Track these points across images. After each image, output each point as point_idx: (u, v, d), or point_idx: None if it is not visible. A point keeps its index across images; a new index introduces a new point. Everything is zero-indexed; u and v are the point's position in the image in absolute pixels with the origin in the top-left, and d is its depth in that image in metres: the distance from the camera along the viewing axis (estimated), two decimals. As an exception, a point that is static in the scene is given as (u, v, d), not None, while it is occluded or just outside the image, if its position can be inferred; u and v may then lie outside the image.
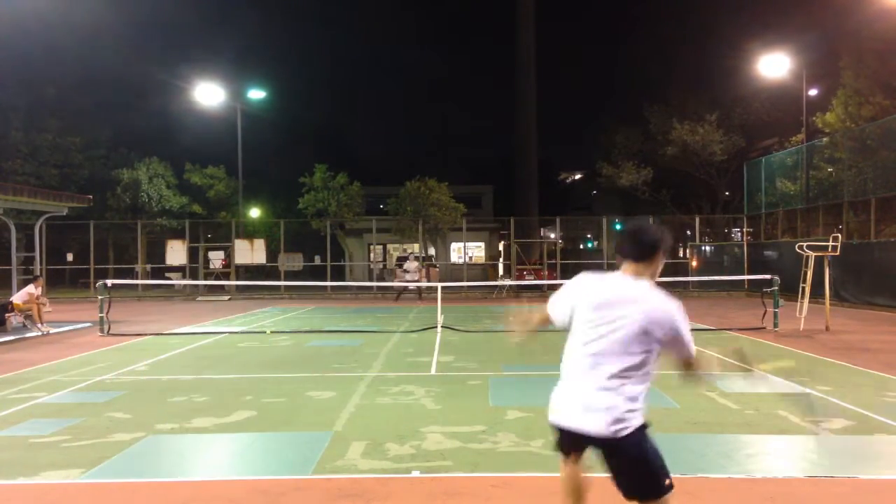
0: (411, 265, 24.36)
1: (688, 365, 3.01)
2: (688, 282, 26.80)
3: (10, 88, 31.99)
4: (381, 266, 37.12)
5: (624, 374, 2.90)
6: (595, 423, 2.87)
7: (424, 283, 24.75)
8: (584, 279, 3.16)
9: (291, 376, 8.87)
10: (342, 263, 33.67)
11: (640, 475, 2.93)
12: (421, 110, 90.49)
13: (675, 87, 35.73)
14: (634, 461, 2.92)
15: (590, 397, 2.91)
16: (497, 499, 4.48)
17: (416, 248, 34.12)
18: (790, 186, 25.59)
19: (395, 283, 23.99)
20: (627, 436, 2.86)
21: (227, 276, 28.50)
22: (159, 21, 64.46)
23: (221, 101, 31.00)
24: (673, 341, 2.92)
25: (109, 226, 31.56)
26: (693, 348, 2.96)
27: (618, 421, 2.85)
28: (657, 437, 5.71)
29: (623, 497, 2.97)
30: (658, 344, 2.91)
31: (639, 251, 3.05)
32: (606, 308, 2.95)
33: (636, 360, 2.90)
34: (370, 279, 33.97)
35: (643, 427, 2.93)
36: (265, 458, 5.40)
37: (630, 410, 2.89)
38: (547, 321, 3.33)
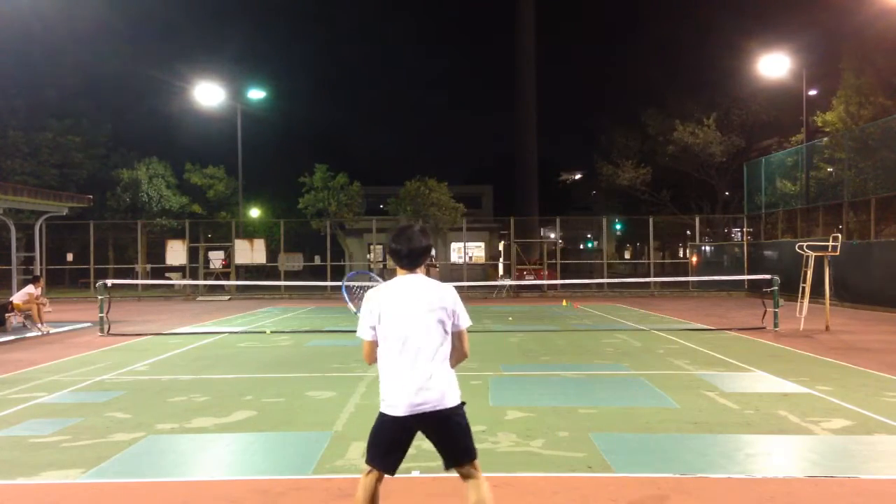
0: None
1: None
2: (688, 282, 26.82)
3: (10, 88, 31.99)
4: (381, 266, 37.12)
5: None
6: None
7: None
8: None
9: (291, 376, 8.87)
10: (342, 263, 33.66)
11: None
12: (421, 110, 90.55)
13: (674, 87, 35.78)
14: None
15: None
16: (497, 499, 4.46)
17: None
18: (790, 186, 25.59)
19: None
20: None
21: (227, 276, 28.50)
22: (159, 21, 64.48)
23: (221, 101, 31.00)
24: None
25: (109, 226, 31.56)
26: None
27: None
28: (659, 438, 5.74)
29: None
30: None
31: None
32: None
33: None
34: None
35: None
36: (265, 458, 5.40)
37: None
38: None
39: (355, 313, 3.99)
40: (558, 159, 66.07)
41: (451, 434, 3.25)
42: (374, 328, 3.28)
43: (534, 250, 33.13)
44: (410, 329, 3.21)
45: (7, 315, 13.97)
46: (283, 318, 17.91)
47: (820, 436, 5.84)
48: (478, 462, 3.32)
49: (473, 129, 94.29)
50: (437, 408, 3.18)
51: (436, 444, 3.31)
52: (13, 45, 30.78)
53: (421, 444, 5.58)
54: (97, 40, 40.24)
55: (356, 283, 4.10)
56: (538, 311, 19.51)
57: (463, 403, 3.30)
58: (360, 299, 4.12)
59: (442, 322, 3.26)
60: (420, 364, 3.19)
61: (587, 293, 27.39)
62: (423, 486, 4.67)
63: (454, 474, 4.88)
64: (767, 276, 14.28)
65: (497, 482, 4.72)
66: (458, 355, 3.41)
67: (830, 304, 14.30)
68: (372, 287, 3.52)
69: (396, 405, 3.18)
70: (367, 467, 3.32)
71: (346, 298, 4.06)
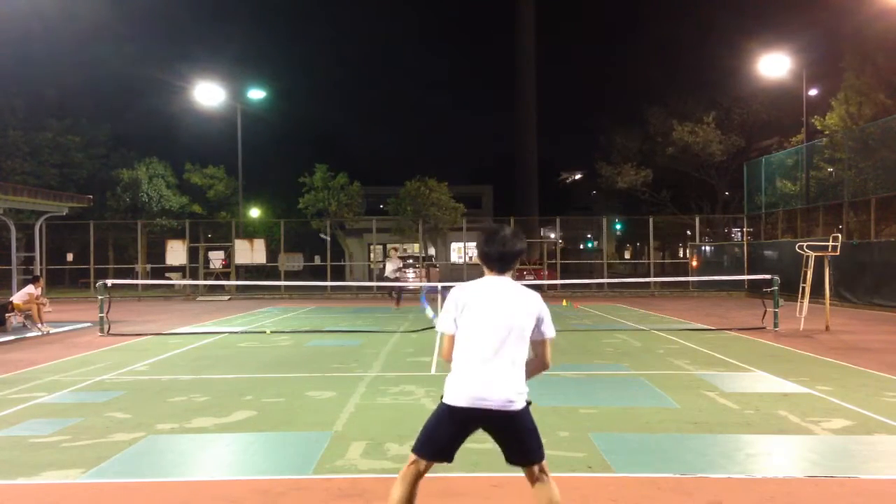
0: (391, 266, 19.97)
1: None
2: (688, 282, 26.82)
3: (10, 88, 31.99)
4: (381, 266, 37.11)
5: None
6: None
7: (424, 284, 24.60)
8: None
9: (291, 376, 8.87)
10: (342, 263, 33.66)
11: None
12: (421, 110, 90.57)
13: (674, 87, 35.83)
14: None
15: None
16: (497, 499, 4.48)
17: (416, 247, 34.14)
18: (790, 186, 25.59)
19: (387, 284, 20.34)
20: None
21: (227, 276, 28.49)
22: (159, 21, 64.48)
23: (221, 101, 30.99)
24: None
25: (109, 226, 31.55)
26: None
27: None
28: (659, 438, 5.74)
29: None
30: None
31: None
32: None
33: None
34: (370, 279, 33.95)
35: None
36: (265, 458, 5.39)
37: None
38: None
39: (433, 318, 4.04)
40: (558, 159, 66.10)
41: (517, 436, 3.25)
42: (455, 321, 3.27)
43: (534, 250, 33.14)
44: (491, 327, 3.20)
45: (7, 315, 13.96)
46: (283, 318, 17.91)
47: (820, 436, 5.84)
48: (545, 463, 3.33)
49: (473, 129, 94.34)
50: (503, 409, 3.16)
51: (501, 444, 3.32)
52: (13, 45, 30.82)
53: (421, 444, 5.62)
54: (97, 40, 40.29)
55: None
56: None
57: (529, 403, 3.30)
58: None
59: (523, 327, 3.24)
60: (493, 361, 3.18)
61: (587, 293, 27.39)
62: (423, 486, 4.66)
63: (454, 474, 4.90)
64: (767, 276, 14.28)
65: (497, 482, 4.72)
66: (539, 364, 3.41)
67: (830, 304, 14.30)
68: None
69: (459, 396, 3.18)
70: (411, 456, 3.31)
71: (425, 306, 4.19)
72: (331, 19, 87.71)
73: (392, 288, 19.99)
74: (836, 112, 24.97)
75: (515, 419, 3.20)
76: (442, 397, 3.29)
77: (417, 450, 3.31)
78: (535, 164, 40.14)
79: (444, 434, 3.27)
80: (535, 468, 3.28)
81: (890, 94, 23.37)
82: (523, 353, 3.26)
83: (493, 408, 3.15)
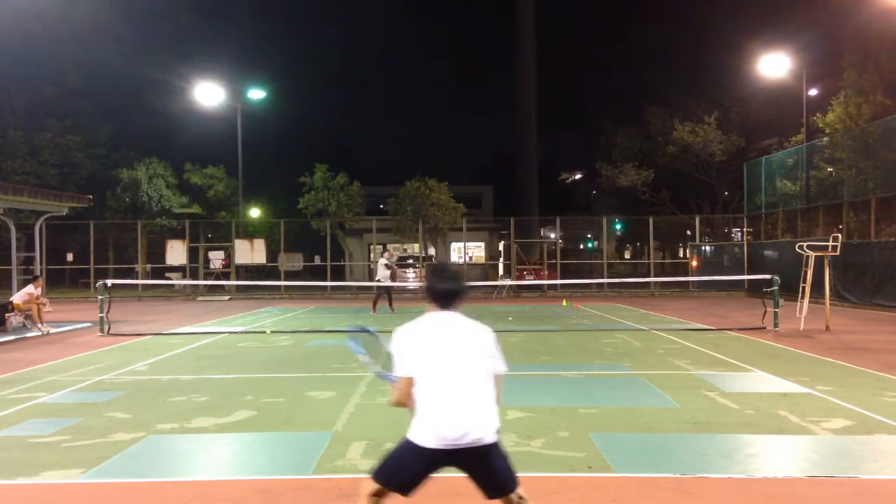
0: (382, 266, 18.59)
1: None
2: (688, 282, 26.82)
3: (10, 88, 31.98)
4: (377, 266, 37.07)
5: None
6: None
7: (424, 284, 24.46)
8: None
9: (291, 376, 8.87)
10: (342, 263, 33.66)
11: None
12: (421, 110, 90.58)
13: (674, 86, 35.78)
14: None
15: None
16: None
17: (415, 247, 34.13)
18: (790, 186, 25.59)
19: (379, 284, 18.75)
20: None
21: (227, 276, 28.50)
22: (159, 21, 64.47)
23: (221, 101, 31.00)
24: None
25: (109, 226, 31.55)
26: None
27: None
28: (659, 438, 5.74)
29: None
30: None
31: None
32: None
33: None
34: (370, 279, 33.95)
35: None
36: (265, 458, 5.40)
37: None
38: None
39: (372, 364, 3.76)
40: (558, 159, 66.04)
41: (490, 469, 3.20)
42: (410, 365, 3.16)
43: (534, 250, 33.13)
44: (455, 364, 3.15)
45: (7, 315, 13.97)
46: (284, 318, 17.91)
47: (820, 436, 5.84)
48: (520, 489, 3.28)
49: (473, 129, 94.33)
50: (474, 445, 3.11)
51: (476, 481, 3.25)
52: (13, 45, 30.76)
53: (421, 444, 5.62)
54: (97, 40, 40.24)
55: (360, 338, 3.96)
56: (538, 311, 19.51)
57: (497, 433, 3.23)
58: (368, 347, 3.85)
59: (484, 362, 3.22)
60: (461, 399, 3.11)
61: (587, 293, 27.39)
62: (423, 486, 4.67)
63: (454, 474, 4.89)
64: (767, 276, 14.28)
65: (497, 482, 4.72)
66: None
67: (830, 304, 14.30)
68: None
69: (429, 437, 3.11)
70: (373, 485, 3.24)
71: (360, 351, 3.92)
72: (331, 19, 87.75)
73: (384, 290, 18.96)
74: (835, 112, 24.98)
75: (488, 454, 3.15)
76: (409, 434, 3.19)
77: (382, 480, 3.23)
78: (535, 164, 40.11)
79: (411, 471, 3.20)
80: (514, 496, 3.24)
81: (890, 93, 23.37)
82: (490, 386, 3.20)
83: (465, 446, 3.09)
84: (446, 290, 3.33)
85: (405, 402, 3.20)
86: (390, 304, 18.45)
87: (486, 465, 3.19)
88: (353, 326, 3.98)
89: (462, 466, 3.21)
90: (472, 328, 3.30)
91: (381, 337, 3.72)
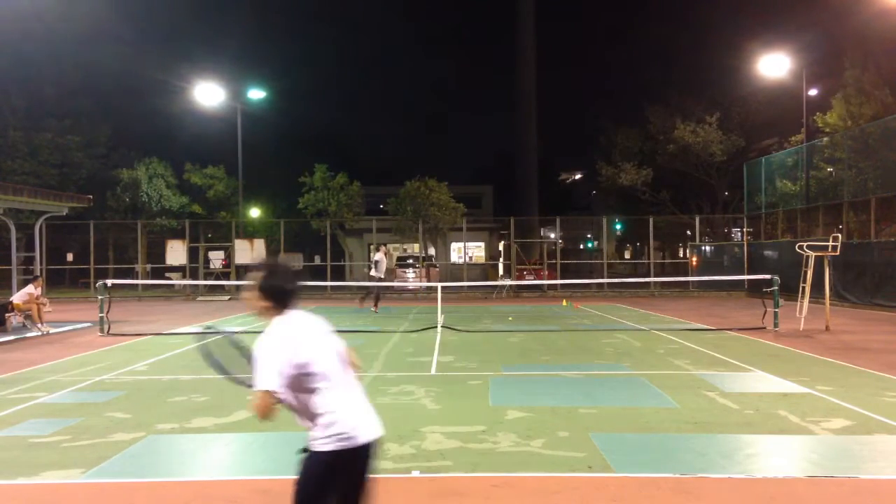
0: (376, 264, 18.42)
1: None
2: (688, 282, 26.81)
3: (10, 88, 31.98)
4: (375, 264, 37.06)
5: None
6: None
7: (424, 284, 24.52)
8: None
9: (291, 376, 8.86)
10: (342, 263, 33.66)
11: None
12: (421, 110, 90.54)
13: (675, 86, 35.79)
14: None
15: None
16: (497, 499, 4.48)
17: (415, 247, 34.12)
18: (790, 186, 25.59)
19: (370, 284, 18.43)
20: None
21: (227, 276, 28.49)
22: (159, 21, 64.49)
23: (221, 101, 30.98)
24: None
25: (109, 226, 31.56)
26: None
27: None
28: (659, 438, 5.74)
29: None
30: None
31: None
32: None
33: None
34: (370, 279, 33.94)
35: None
36: (265, 458, 5.40)
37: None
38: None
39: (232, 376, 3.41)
40: (558, 159, 66.00)
41: (367, 472, 3.00)
42: (282, 373, 2.86)
43: (534, 250, 33.13)
44: (335, 360, 3.06)
45: (7, 315, 13.96)
46: (283, 318, 17.87)
47: (820, 436, 5.84)
48: None
49: (473, 129, 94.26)
50: (373, 441, 2.97)
51: (352, 489, 2.99)
52: (13, 45, 30.79)
53: (420, 443, 5.62)
54: (97, 40, 40.29)
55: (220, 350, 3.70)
56: (538, 311, 19.51)
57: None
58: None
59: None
60: (358, 397, 3.04)
61: (587, 293, 27.39)
62: (423, 486, 4.67)
63: (454, 474, 4.90)
64: (767, 276, 14.28)
65: (497, 482, 4.72)
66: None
67: (830, 304, 14.29)
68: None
69: (357, 432, 2.90)
70: None
71: (221, 366, 3.60)
72: (331, 19, 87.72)
73: (371, 289, 18.72)
74: (835, 111, 24.97)
75: (370, 455, 2.99)
76: (306, 450, 2.94)
77: None
78: (535, 164, 40.10)
79: (329, 492, 2.94)
80: None
81: (893, 91, 23.38)
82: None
83: (372, 440, 2.95)
84: (289, 287, 3.10)
85: (267, 416, 2.89)
86: (375, 304, 18.31)
87: (369, 466, 3.00)
88: (198, 328, 3.72)
89: (356, 471, 2.99)
90: (323, 322, 3.16)
91: (235, 337, 3.45)
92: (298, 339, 2.99)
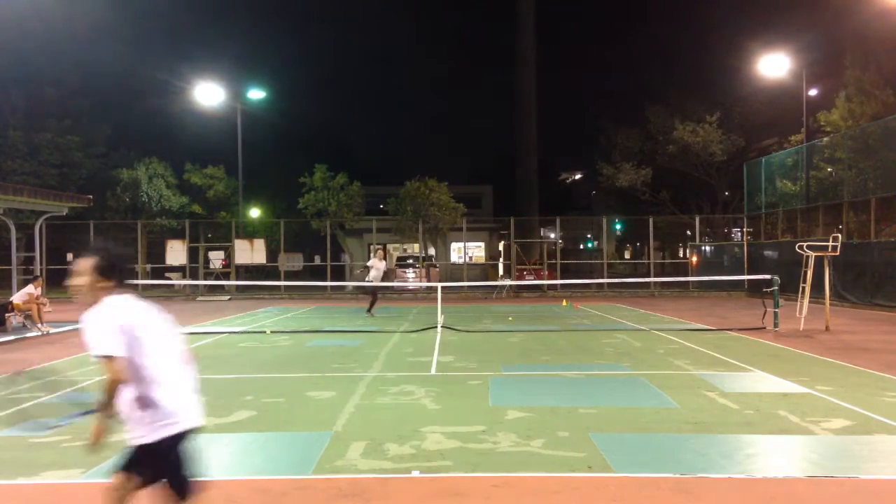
0: (367, 269, 18.43)
1: None
2: (688, 282, 26.81)
3: (10, 88, 31.98)
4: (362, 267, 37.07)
5: None
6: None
7: (424, 284, 24.50)
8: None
9: (291, 376, 8.87)
10: (342, 263, 33.66)
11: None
12: (421, 110, 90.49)
13: (675, 86, 35.77)
14: None
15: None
16: (497, 499, 4.48)
17: (415, 247, 34.12)
18: (790, 186, 25.59)
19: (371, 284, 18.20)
20: None
21: (227, 276, 28.50)
22: (159, 21, 64.45)
23: (221, 101, 31.00)
24: None
25: (109, 226, 31.55)
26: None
27: None
28: (659, 438, 5.74)
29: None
30: None
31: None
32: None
33: None
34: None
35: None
36: (265, 458, 5.40)
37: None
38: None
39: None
40: (558, 159, 65.99)
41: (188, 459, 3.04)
42: (126, 344, 2.88)
43: (534, 250, 33.13)
44: (168, 343, 3.13)
45: (7, 315, 13.97)
46: (283, 318, 17.90)
47: (820, 436, 5.84)
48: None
49: (473, 129, 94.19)
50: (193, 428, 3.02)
51: (177, 473, 3.11)
52: (13, 45, 30.76)
53: (420, 443, 5.62)
54: (97, 40, 40.22)
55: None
56: (538, 311, 19.51)
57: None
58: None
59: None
60: (183, 381, 3.12)
61: (587, 293, 27.39)
62: (423, 486, 4.67)
63: (454, 474, 4.90)
64: (767, 276, 14.28)
65: (497, 482, 4.72)
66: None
67: (830, 304, 14.30)
68: None
69: (179, 418, 3.03)
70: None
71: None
72: (331, 19, 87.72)
73: (372, 290, 18.50)
74: (838, 110, 24.97)
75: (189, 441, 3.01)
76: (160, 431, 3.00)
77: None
78: (535, 164, 40.07)
79: (156, 478, 3.05)
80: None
81: (892, 93, 23.38)
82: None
83: (193, 427, 3.03)
84: (129, 265, 3.12)
85: (123, 378, 2.95)
86: (370, 307, 18.07)
87: (186, 453, 3.06)
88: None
89: (180, 456, 3.11)
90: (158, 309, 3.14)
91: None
92: (133, 312, 2.98)
